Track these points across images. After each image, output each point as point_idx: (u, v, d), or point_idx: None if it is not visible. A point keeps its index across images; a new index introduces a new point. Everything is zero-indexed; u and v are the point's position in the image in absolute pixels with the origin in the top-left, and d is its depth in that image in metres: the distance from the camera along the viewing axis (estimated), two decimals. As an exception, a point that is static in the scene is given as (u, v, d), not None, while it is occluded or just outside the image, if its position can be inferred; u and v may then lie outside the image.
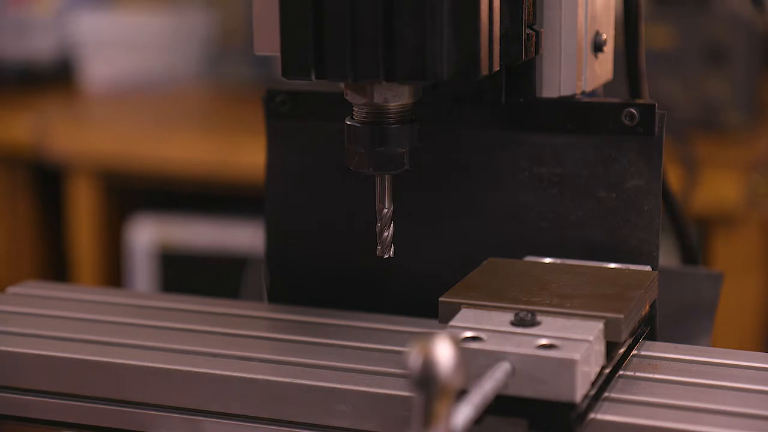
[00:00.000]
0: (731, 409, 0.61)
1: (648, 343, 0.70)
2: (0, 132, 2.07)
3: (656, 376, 0.65)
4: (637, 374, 0.65)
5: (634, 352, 0.68)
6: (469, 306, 0.64)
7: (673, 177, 1.14)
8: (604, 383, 0.62)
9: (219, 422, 0.67)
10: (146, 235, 2.00)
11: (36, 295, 0.80)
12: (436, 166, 0.75)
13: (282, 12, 0.63)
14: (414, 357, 0.48)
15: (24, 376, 0.70)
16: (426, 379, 0.48)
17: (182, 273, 1.99)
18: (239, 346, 0.70)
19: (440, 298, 0.65)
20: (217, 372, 0.67)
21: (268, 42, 0.66)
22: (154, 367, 0.68)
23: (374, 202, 0.69)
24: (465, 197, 0.75)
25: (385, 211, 0.69)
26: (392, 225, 0.69)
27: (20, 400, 0.70)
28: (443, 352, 0.48)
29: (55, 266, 2.18)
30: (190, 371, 0.67)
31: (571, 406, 0.58)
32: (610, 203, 0.72)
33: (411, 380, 0.48)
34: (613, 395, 0.63)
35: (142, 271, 2.01)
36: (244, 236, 1.94)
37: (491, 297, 0.64)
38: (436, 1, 0.60)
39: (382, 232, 0.69)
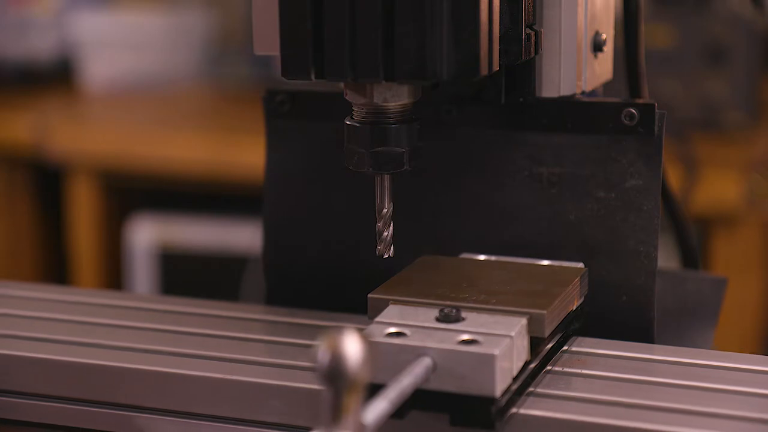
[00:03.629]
0: (659, 404, 0.61)
1: (579, 338, 0.70)
2: (0, 132, 2.07)
3: (584, 371, 0.65)
4: (566, 370, 0.66)
5: (566, 347, 0.69)
6: (397, 302, 0.65)
7: (673, 177, 1.14)
8: (528, 378, 0.63)
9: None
10: (146, 235, 2.00)
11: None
12: (436, 166, 0.75)
13: (281, 12, 0.63)
14: (322, 351, 0.49)
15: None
16: (334, 373, 0.48)
17: (182, 273, 1.99)
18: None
19: (369, 294, 0.66)
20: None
21: (268, 42, 0.66)
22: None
23: (374, 202, 0.69)
24: (464, 197, 0.75)
25: (385, 210, 0.68)
26: (392, 225, 0.69)
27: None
28: (351, 347, 0.49)
29: (55, 266, 2.18)
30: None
31: (491, 400, 0.58)
32: (609, 203, 0.72)
33: (319, 374, 0.49)
34: (539, 390, 0.63)
35: (142, 271, 2.01)
36: (244, 236, 1.93)
37: (419, 293, 0.65)
38: (436, 1, 0.60)
39: (382, 231, 0.69)
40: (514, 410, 0.61)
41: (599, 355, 0.68)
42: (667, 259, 0.75)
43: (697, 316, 0.82)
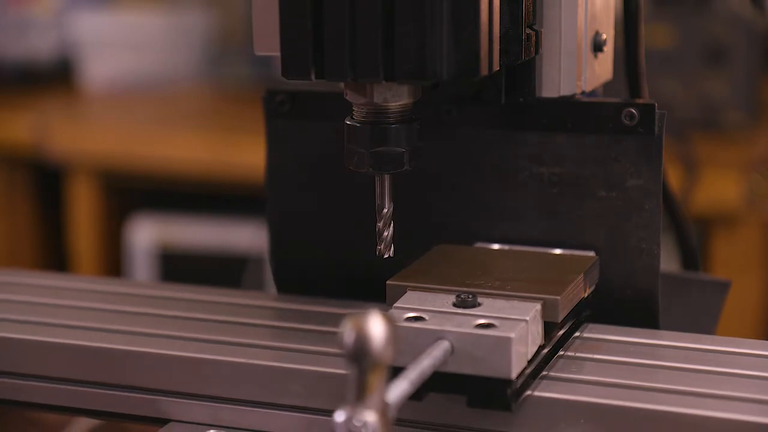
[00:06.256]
0: (668, 386, 0.62)
1: (591, 325, 0.71)
2: (0, 132, 2.07)
3: (597, 356, 0.67)
4: (578, 354, 0.67)
5: (578, 334, 0.70)
6: (415, 288, 0.66)
7: (673, 177, 1.14)
8: (542, 362, 0.64)
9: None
10: (146, 234, 2.00)
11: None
12: (435, 166, 0.75)
13: (282, 12, 0.63)
14: (347, 332, 0.50)
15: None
16: (359, 353, 0.49)
17: (182, 273, 1.99)
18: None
19: (387, 281, 0.67)
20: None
21: (268, 42, 0.66)
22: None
23: (374, 202, 0.69)
24: (465, 197, 0.75)
25: (385, 210, 0.69)
26: (392, 224, 0.69)
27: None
28: (375, 327, 0.50)
29: (55, 266, 2.18)
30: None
31: (507, 382, 0.60)
32: (610, 203, 0.72)
33: (344, 355, 0.50)
34: (552, 374, 0.64)
35: (142, 270, 2.01)
36: (243, 236, 1.94)
37: (436, 280, 0.67)
38: (436, 1, 0.60)
39: (382, 231, 0.69)
40: (528, 392, 0.62)
41: (610, 341, 0.69)
42: (666, 259, 0.75)
43: (698, 319, 0.82)
